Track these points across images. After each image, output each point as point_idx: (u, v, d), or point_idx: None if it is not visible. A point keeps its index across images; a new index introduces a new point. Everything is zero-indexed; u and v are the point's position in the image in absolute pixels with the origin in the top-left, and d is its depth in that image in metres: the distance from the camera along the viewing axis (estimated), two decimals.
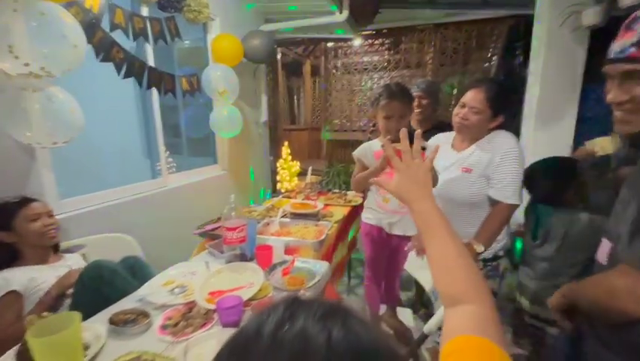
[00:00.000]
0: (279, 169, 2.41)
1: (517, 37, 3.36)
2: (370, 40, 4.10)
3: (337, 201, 2.24)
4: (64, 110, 1.19)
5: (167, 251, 1.85)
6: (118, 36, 1.69)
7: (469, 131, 1.26)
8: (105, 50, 1.60)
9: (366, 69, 4.23)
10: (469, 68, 3.74)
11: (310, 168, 2.72)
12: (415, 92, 1.80)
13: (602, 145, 1.45)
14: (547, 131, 2.22)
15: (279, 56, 4.90)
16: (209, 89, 2.28)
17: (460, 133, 1.32)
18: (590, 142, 1.76)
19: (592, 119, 3.14)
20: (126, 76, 1.72)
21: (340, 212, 1.98)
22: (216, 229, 1.59)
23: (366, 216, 1.34)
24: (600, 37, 2.10)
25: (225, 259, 1.25)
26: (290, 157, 2.39)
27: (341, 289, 2.19)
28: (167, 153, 2.85)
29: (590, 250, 0.76)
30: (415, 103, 1.75)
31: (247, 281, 1.10)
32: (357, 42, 4.10)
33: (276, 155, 3.16)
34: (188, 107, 3.00)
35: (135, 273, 1.45)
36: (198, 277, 1.19)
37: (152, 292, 1.09)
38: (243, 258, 1.26)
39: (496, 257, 1.31)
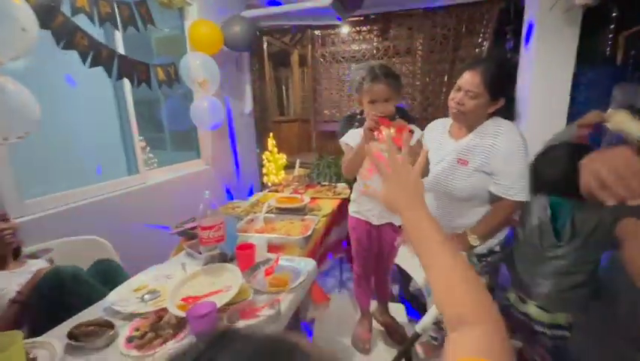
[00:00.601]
0: (264, 162, 2.31)
1: (508, 20, 3.28)
2: (358, 27, 3.97)
3: (326, 193, 2.16)
4: (14, 102, 1.07)
5: (146, 253, 1.74)
6: (82, 22, 1.55)
7: (465, 117, 1.17)
8: (67, 36, 1.47)
9: (354, 57, 4.10)
10: (459, 54, 3.65)
11: (298, 161, 2.63)
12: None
13: (619, 120, 1.11)
14: (539, 115, 2.16)
15: (264, 45, 4.74)
16: (188, 80, 2.15)
17: (457, 120, 1.22)
18: (608, 112, 1.35)
19: (583, 102, 3.11)
20: (92, 65, 1.59)
21: (329, 205, 1.90)
22: (195, 227, 1.49)
23: (353, 210, 1.25)
24: (590, 19, 2.03)
25: (203, 260, 1.16)
26: (276, 149, 2.29)
27: (332, 284, 2.12)
28: (148, 148, 2.73)
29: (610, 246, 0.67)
30: None
31: (224, 285, 1.01)
32: (346, 29, 3.97)
33: (264, 147, 3.06)
34: (169, 99, 2.86)
35: (108, 278, 1.36)
36: (174, 281, 1.10)
37: (121, 299, 0.99)
38: (222, 258, 1.18)
39: (491, 252, 1.25)
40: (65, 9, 1.47)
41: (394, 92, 1.12)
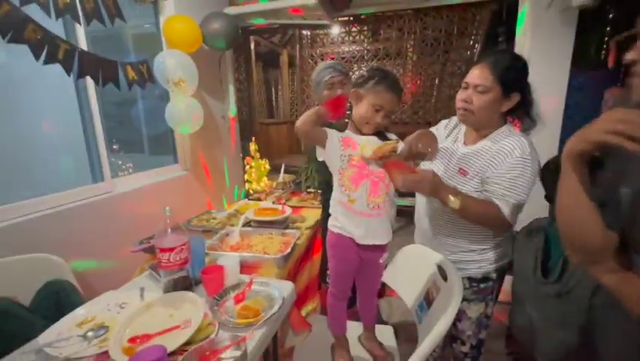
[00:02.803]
0: (246, 168, 2.16)
1: (500, 22, 3.21)
2: (348, 28, 3.87)
3: (311, 202, 2.02)
4: None
5: (109, 272, 1.58)
6: (35, 13, 1.38)
7: (475, 117, 1.01)
8: (14, 27, 1.30)
9: (344, 58, 3.99)
10: (450, 56, 3.58)
11: (283, 166, 2.49)
12: (333, 75, 1.47)
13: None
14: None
15: (252, 45, 4.60)
16: (162, 79, 1.99)
17: (466, 122, 1.06)
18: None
19: (575, 106, 3.06)
20: (48, 61, 1.42)
21: (314, 216, 1.76)
22: None
23: (332, 224, 1.11)
24: (583, 22, 1.96)
25: (162, 286, 1.01)
26: (258, 154, 2.14)
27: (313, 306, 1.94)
28: (122, 152, 2.55)
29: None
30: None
31: (183, 319, 0.86)
32: (335, 30, 3.86)
33: (248, 152, 2.91)
34: (145, 99, 2.68)
35: (60, 303, 1.20)
36: (128, 311, 0.95)
37: (59, 338, 0.83)
38: (185, 284, 1.02)
39: (485, 278, 1.12)
40: None
41: (397, 105, 1.02)
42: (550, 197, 1.07)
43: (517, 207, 0.99)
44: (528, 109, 1.02)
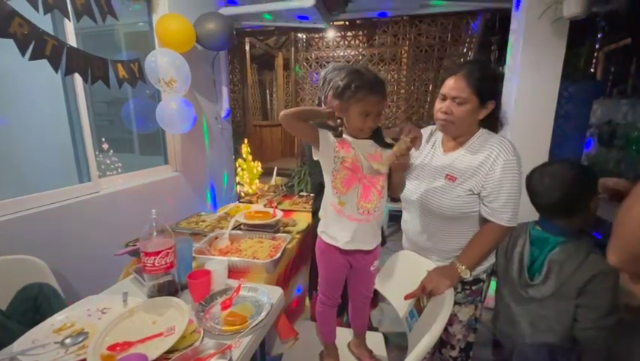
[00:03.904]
0: (238, 170, 2.13)
1: (493, 31, 3.26)
2: (343, 33, 3.88)
3: (303, 206, 2.00)
4: None
5: (94, 276, 1.53)
6: (24, 8, 1.34)
7: (455, 127, 1.05)
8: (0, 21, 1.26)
9: (339, 62, 3.99)
10: (444, 63, 3.62)
11: (275, 169, 2.47)
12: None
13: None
14: (525, 127, 2.09)
15: (247, 47, 4.58)
16: (154, 78, 1.96)
17: (446, 131, 1.10)
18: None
19: (564, 116, 3.11)
20: (34, 57, 1.38)
21: (305, 220, 1.74)
22: None
23: (320, 230, 1.10)
24: (573, 33, 1.99)
25: (147, 291, 0.98)
26: (251, 157, 2.11)
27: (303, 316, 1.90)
28: (112, 151, 2.49)
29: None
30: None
31: (167, 326, 0.83)
32: (331, 34, 3.87)
33: (241, 154, 2.88)
34: (136, 98, 2.63)
35: (39, 306, 1.16)
36: (108, 317, 0.91)
37: (34, 345, 0.80)
38: (171, 289, 0.99)
39: (477, 280, 1.13)
40: None
41: (386, 103, 0.99)
42: (539, 203, 1.07)
43: (517, 210, 1.02)
44: (498, 113, 1.08)
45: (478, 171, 1.02)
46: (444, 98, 1.05)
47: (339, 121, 1.00)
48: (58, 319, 0.90)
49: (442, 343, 1.22)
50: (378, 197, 1.03)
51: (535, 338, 1.06)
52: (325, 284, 1.14)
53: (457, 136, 1.09)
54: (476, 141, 1.06)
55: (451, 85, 1.01)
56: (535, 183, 1.06)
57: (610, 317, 0.94)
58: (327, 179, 1.04)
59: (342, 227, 1.03)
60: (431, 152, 1.17)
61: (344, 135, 1.03)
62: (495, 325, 1.23)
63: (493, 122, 1.09)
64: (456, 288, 1.12)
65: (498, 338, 1.23)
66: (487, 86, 1.01)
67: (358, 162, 1.00)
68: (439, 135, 1.18)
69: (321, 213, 1.10)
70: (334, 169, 1.02)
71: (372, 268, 1.14)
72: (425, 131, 1.22)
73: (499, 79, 1.05)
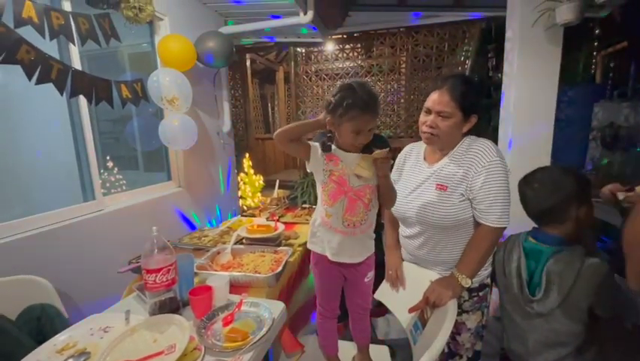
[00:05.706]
0: (240, 184, 2.15)
1: (489, 39, 3.30)
2: (341, 45, 3.95)
3: (305, 218, 2.00)
4: None
5: (98, 293, 1.54)
6: (29, 34, 1.40)
7: (440, 140, 1.07)
8: (7, 49, 1.31)
9: (337, 74, 4.06)
10: (442, 72, 3.65)
11: (277, 181, 2.48)
12: None
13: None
14: (525, 134, 2.09)
15: (248, 63, 4.67)
16: (156, 97, 2.00)
17: (431, 144, 1.11)
18: None
19: (564, 120, 3.10)
20: (40, 82, 1.43)
21: (308, 232, 1.74)
22: None
23: (311, 240, 1.11)
24: (570, 38, 2.01)
25: (149, 308, 0.98)
26: (252, 170, 2.13)
27: (308, 328, 1.86)
28: (116, 169, 2.53)
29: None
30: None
31: (168, 344, 0.83)
32: (330, 47, 3.94)
33: (243, 168, 2.90)
34: (139, 116, 2.69)
35: (43, 327, 1.17)
36: (111, 335, 0.91)
37: None
38: (172, 306, 1.00)
39: (483, 286, 1.12)
40: (8, 19, 1.32)
41: (377, 119, 1.00)
42: (530, 210, 1.06)
43: (506, 210, 1.02)
44: (484, 131, 1.11)
45: (466, 177, 1.03)
46: (428, 112, 1.07)
47: (329, 135, 1.02)
48: (60, 339, 0.91)
49: (450, 354, 1.20)
50: (364, 210, 1.03)
51: (547, 355, 1.03)
52: (321, 295, 1.14)
53: (442, 149, 1.11)
54: (459, 149, 1.08)
55: (435, 99, 1.03)
56: (524, 190, 1.07)
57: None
58: (318, 190, 1.06)
59: (329, 239, 1.05)
60: (416, 166, 1.18)
61: (335, 149, 1.04)
62: (504, 342, 1.20)
63: (477, 134, 1.11)
64: (463, 296, 1.11)
65: (509, 355, 1.19)
66: (470, 100, 1.02)
67: (345, 175, 1.01)
68: (421, 149, 1.20)
69: (311, 224, 1.12)
70: (323, 181, 1.03)
71: (366, 280, 1.13)
72: (413, 148, 1.25)
73: (480, 93, 1.07)
